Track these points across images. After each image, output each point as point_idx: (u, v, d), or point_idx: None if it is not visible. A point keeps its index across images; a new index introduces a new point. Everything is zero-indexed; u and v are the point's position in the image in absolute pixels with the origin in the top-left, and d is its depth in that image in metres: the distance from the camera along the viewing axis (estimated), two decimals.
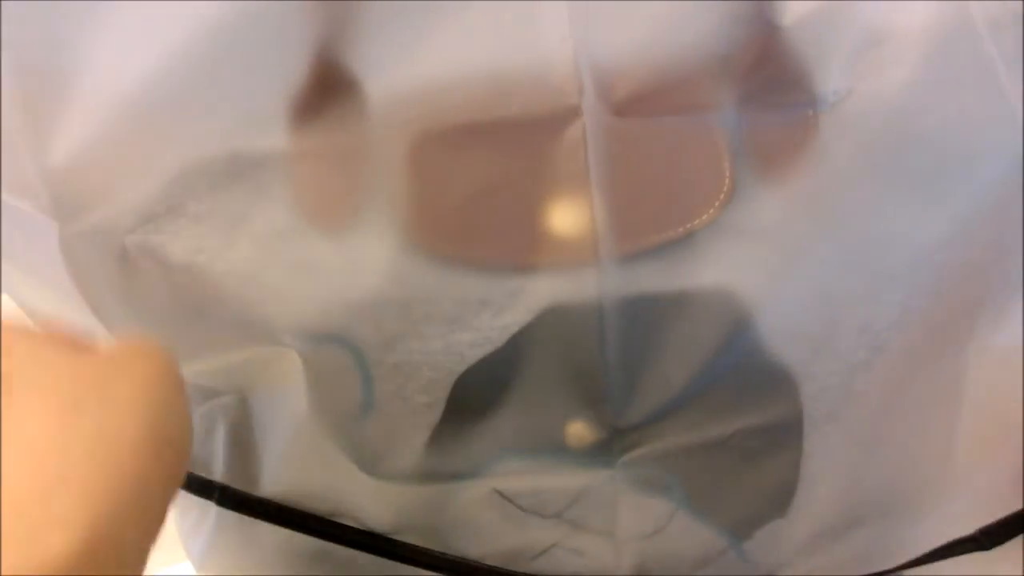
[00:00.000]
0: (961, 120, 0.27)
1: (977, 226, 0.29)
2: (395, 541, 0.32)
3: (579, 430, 0.30)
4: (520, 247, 0.28)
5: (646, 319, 0.28)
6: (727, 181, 0.28)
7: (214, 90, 0.26)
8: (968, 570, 0.35)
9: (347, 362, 0.29)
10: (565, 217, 0.27)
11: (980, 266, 0.29)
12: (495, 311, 0.28)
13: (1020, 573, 0.35)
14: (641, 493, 0.31)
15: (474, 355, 0.29)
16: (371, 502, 0.32)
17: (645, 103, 0.27)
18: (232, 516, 0.33)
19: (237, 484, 0.33)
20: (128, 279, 0.28)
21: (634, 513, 0.31)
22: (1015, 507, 0.33)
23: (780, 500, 0.32)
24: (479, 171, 0.27)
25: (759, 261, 0.28)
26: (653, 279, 0.28)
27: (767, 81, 0.27)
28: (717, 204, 0.28)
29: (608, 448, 0.30)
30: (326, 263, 0.28)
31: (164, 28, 0.25)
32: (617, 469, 0.31)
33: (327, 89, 0.26)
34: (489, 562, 0.32)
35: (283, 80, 0.26)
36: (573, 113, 0.26)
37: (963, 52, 0.27)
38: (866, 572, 0.35)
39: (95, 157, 0.26)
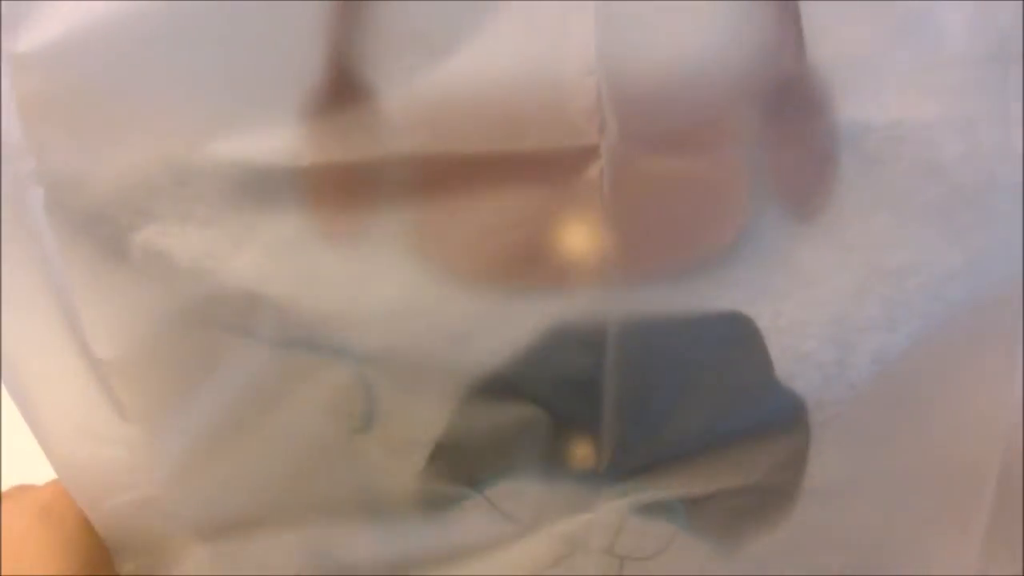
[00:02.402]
0: (976, 153, 0.27)
1: (990, 260, 0.29)
2: None
3: (581, 452, 0.30)
4: (529, 269, 0.27)
5: (654, 339, 0.28)
6: (744, 212, 0.28)
7: (220, 84, 0.26)
8: (968, 570, 0.36)
9: (350, 374, 0.29)
10: (576, 245, 0.27)
11: (993, 301, 0.29)
12: (501, 328, 0.28)
13: (1020, 573, 0.35)
14: (644, 516, 0.31)
15: (479, 370, 0.28)
16: (364, 539, 0.32)
17: (668, 142, 0.26)
18: None
19: None
20: (129, 284, 0.28)
21: (636, 535, 0.31)
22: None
23: (778, 517, 0.32)
24: (490, 200, 0.27)
25: (773, 288, 0.28)
26: (665, 300, 0.28)
27: (788, 113, 0.27)
28: (733, 233, 0.28)
29: (611, 472, 0.30)
30: (334, 274, 0.28)
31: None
32: (620, 494, 0.31)
33: (342, 98, 0.26)
34: None
35: (295, 84, 0.26)
36: (592, 153, 0.26)
37: (983, 86, 0.27)
38: None
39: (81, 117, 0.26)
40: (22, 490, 0.35)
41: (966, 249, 0.28)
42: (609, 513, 0.31)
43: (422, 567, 0.32)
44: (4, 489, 0.35)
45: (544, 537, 0.31)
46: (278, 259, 0.27)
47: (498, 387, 0.29)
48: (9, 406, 0.32)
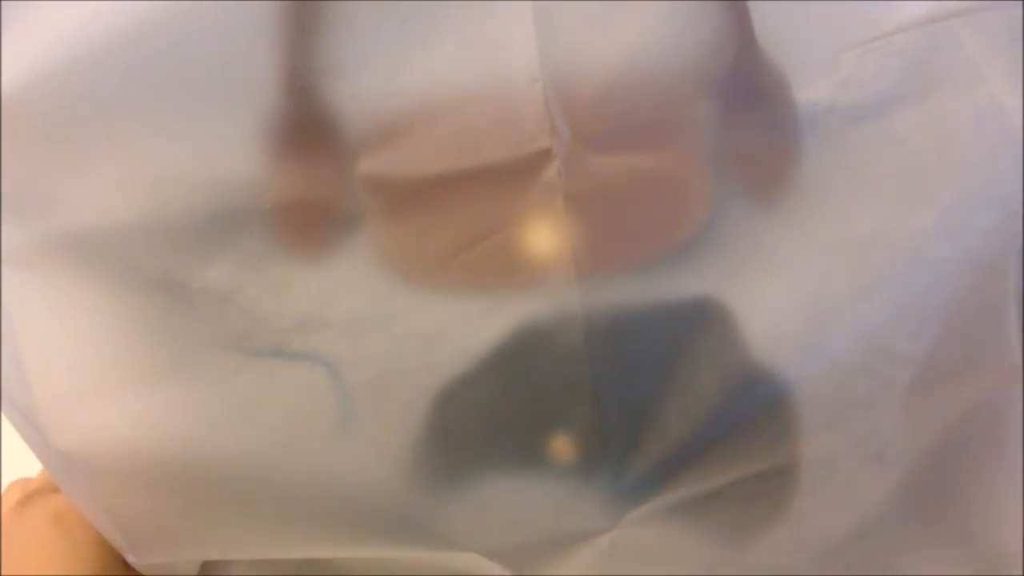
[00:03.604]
0: (933, 116, 0.28)
1: (966, 214, 0.28)
2: None
3: (565, 446, 0.29)
4: (497, 272, 0.28)
5: (629, 332, 0.28)
6: (707, 200, 0.28)
7: (185, 107, 0.26)
8: (968, 570, 0.35)
9: (325, 380, 0.29)
10: (541, 245, 0.27)
11: (986, 256, 0.29)
12: (472, 327, 0.28)
13: (1020, 573, 0.35)
14: (639, 504, 0.31)
15: (452, 371, 0.28)
16: (344, 536, 0.32)
17: (621, 139, 0.27)
18: None
19: None
20: (96, 302, 0.28)
21: (630, 526, 0.31)
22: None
23: (777, 507, 0.32)
24: (453, 214, 0.27)
25: (743, 271, 0.28)
26: (635, 292, 0.28)
27: (746, 95, 0.27)
28: (698, 221, 0.28)
29: (600, 464, 0.30)
30: (303, 284, 0.28)
31: (114, 17, 0.25)
32: (611, 484, 0.30)
33: (304, 119, 0.26)
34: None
35: (256, 106, 0.26)
36: (545, 156, 0.26)
37: (937, 48, 0.27)
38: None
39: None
40: (33, 498, 0.35)
41: (937, 207, 0.28)
42: (628, 526, 0.30)
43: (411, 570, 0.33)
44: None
45: (536, 531, 0.31)
46: (247, 271, 0.28)
47: (473, 387, 0.29)
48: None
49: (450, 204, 0.27)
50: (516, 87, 0.26)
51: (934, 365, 0.31)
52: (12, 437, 0.41)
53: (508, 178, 0.26)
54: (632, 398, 0.29)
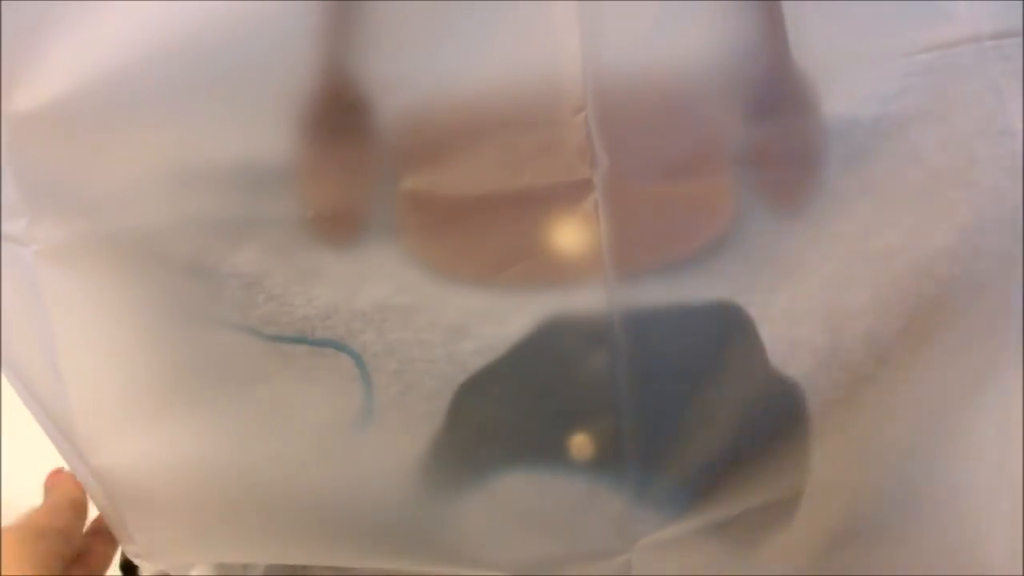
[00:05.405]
0: (953, 137, 0.28)
1: (981, 236, 0.29)
2: None
3: (584, 442, 0.30)
4: (526, 271, 0.28)
5: (653, 335, 0.28)
6: (731, 206, 0.28)
7: (218, 93, 0.26)
8: (968, 570, 0.35)
9: (348, 368, 0.29)
10: (574, 252, 0.28)
11: (990, 278, 0.29)
12: (497, 320, 0.28)
13: (1020, 573, 0.35)
14: (652, 507, 0.31)
15: (475, 364, 0.29)
16: (362, 532, 0.32)
17: (659, 164, 0.27)
18: None
19: None
20: (123, 287, 0.28)
21: (645, 549, 0.31)
22: None
23: (785, 511, 0.32)
24: (492, 235, 0.28)
25: (762, 278, 0.29)
26: (660, 295, 0.28)
27: (774, 111, 0.28)
28: (721, 227, 0.28)
29: (617, 459, 0.30)
30: (331, 271, 0.28)
31: (156, 25, 0.25)
32: (627, 482, 0.30)
33: (338, 106, 0.26)
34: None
35: (291, 91, 0.26)
36: (585, 186, 0.27)
37: (965, 78, 0.27)
38: None
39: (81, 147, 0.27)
40: None
41: (954, 226, 0.29)
42: (616, 501, 0.30)
43: (424, 563, 0.32)
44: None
45: (550, 530, 0.31)
46: (276, 256, 0.28)
47: (495, 382, 0.29)
48: (8, 409, 0.32)
49: (488, 224, 0.27)
50: (561, 115, 0.26)
51: (934, 381, 0.31)
52: (12, 436, 0.40)
53: (547, 203, 0.27)
54: (653, 405, 0.29)
